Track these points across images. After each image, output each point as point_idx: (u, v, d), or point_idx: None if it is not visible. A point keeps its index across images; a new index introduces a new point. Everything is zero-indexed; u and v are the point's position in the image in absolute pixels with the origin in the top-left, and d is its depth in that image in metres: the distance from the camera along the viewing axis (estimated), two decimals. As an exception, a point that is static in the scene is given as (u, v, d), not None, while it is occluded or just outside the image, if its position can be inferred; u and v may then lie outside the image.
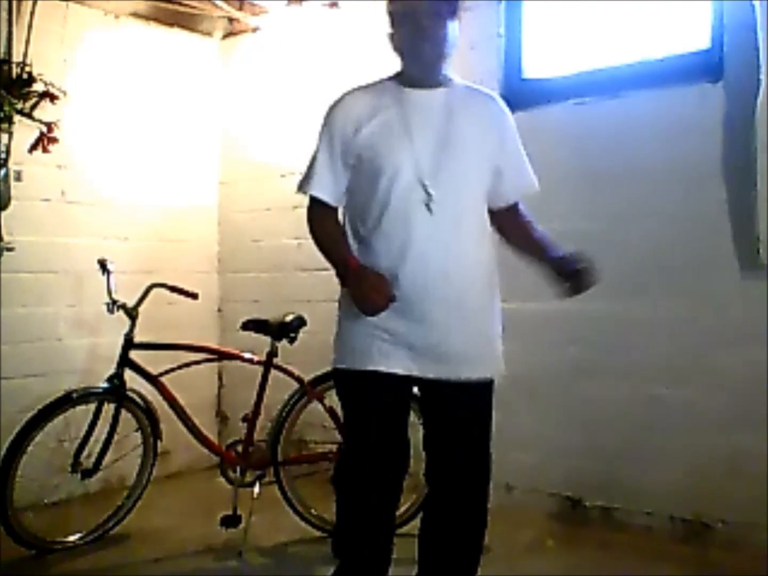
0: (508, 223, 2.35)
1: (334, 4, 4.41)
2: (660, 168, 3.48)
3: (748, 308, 3.27)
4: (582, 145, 3.68)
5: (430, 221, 2.12)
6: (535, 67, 3.93)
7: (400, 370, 2.16)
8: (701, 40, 3.47)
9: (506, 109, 2.32)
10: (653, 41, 3.60)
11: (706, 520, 3.38)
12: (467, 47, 4.00)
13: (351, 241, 2.24)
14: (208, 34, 4.88)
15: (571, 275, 2.20)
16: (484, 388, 2.24)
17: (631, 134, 3.55)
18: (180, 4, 4.48)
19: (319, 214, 2.28)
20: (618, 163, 3.58)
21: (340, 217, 2.32)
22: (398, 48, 2.21)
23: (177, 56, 4.74)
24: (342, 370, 2.25)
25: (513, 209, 2.35)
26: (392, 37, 2.22)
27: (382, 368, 2.15)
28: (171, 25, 4.66)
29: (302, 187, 2.28)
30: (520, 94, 3.88)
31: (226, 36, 4.92)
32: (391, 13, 2.21)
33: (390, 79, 2.26)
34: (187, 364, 3.60)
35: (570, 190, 3.71)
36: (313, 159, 2.26)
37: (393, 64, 2.29)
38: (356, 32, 4.34)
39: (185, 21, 4.69)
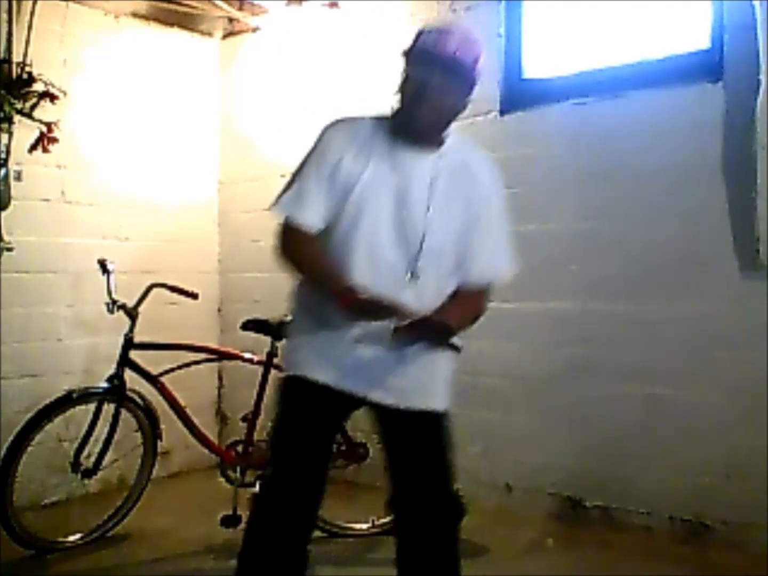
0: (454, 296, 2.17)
1: (334, 4, 4.41)
2: (660, 168, 3.48)
3: (748, 308, 3.27)
4: (582, 145, 3.68)
5: (404, 292, 2.04)
6: (535, 67, 3.93)
7: (335, 384, 2.10)
8: (701, 40, 3.47)
9: (499, 190, 2.20)
10: (653, 41, 3.60)
11: (706, 520, 3.38)
12: (467, 47, 4.01)
13: None
14: (208, 34, 4.88)
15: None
16: (437, 417, 2.18)
17: (631, 134, 3.55)
18: (180, 4, 4.48)
19: (301, 239, 2.11)
20: (617, 163, 3.58)
21: None
22: (401, 96, 2.09)
23: (177, 56, 4.74)
24: (289, 377, 2.18)
25: (467, 292, 2.17)
26: (401, 78, 2.10)
27: (327, 381, 2.10)
28: (171, 25, 4.66)
29: (286, 210, 2.11)
30: (520, 94, 3.89)
31: (226, 36, 4.92)
32: (405, 60, 2.09)
33: (385, 120, 2.14)
34: (187, 364, 3.60)
35: (569, 190, 3.71)
36: (302, 179, 2.12)
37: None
38: (356, 32, 4.34)
39: (185, 21, 4.69)
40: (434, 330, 1.99)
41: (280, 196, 2.14)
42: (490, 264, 2.19)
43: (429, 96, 2.02)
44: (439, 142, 2.13)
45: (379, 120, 2.15)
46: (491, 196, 2.19)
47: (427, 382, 2.17)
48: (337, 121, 2.17)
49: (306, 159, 2.15)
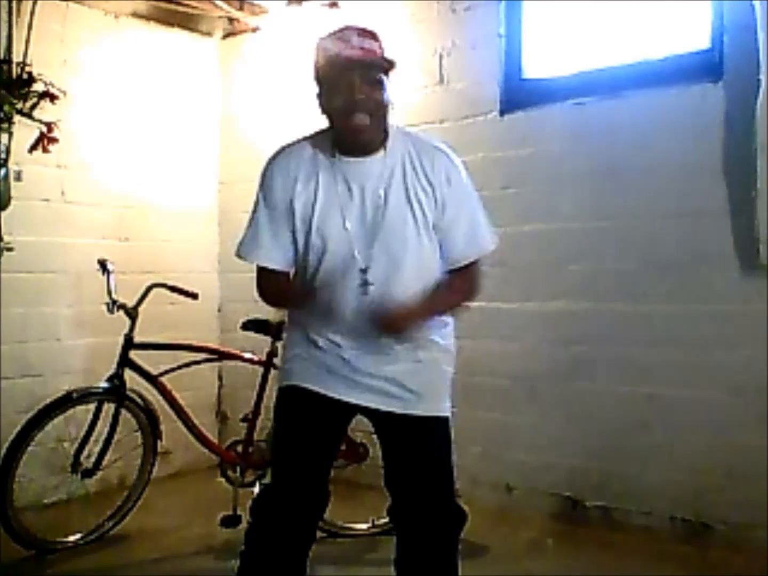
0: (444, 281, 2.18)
1: (334, 4, 4.41)
2: (660, 168, 3.48)
3: (748, 308, 3.27)
4: (582, 145, 3.68)
5: (362, 300, 2.06)
6: (535, 67, 3.93)
7: (336, 395, 2.12)
8: (701, 40, 3.47)
9: (456, 167, 2.14)
10: (653, 41, 3.60)
11: (706, 520, 3.38)
12: (467, 47, 4.01)
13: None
14: (208, 34, 4.88)
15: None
16: (438, 422, 2.16)
17: (631, 134, 3.55)
18: (180, 4, 4.48)
19: (272, 281, 2.23)
20: (618, 163, 3.58)
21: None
22: (329, 113, 2.07)
23: (177, 56, 4.74)
24: (284, 388, 2.19)
25: (456, 272, 2.17)
26: (320, 98, 2.08)
27: (323, 390, 2.12)
28: (171, 25, 4.66)
29: (247, 254, 2.22)
30: (520, 94, 3.89)
31: (226, 36, 4.92)
32: (318, 78, 2.07)
33: (324, 137, 2.12)
34: (187, 364, 3.60)
35: (570, 190, 3.71)
36: (255, 223, 2.19)
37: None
38: (356, 32, 4.33)
39: (185, 21, 4.69)
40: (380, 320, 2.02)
41: (241, 241, 2.23)
42: (470, 243, 2.16)
43: (356, 101, 1.99)
44: (383, 141, 2.09)
45: (318, 136, 2.14)
46: (450, 177, 2.11)
47: (428, 388, 2.15)
48: (277, 154, 2.18)
49: (257, 198, 2.20)
